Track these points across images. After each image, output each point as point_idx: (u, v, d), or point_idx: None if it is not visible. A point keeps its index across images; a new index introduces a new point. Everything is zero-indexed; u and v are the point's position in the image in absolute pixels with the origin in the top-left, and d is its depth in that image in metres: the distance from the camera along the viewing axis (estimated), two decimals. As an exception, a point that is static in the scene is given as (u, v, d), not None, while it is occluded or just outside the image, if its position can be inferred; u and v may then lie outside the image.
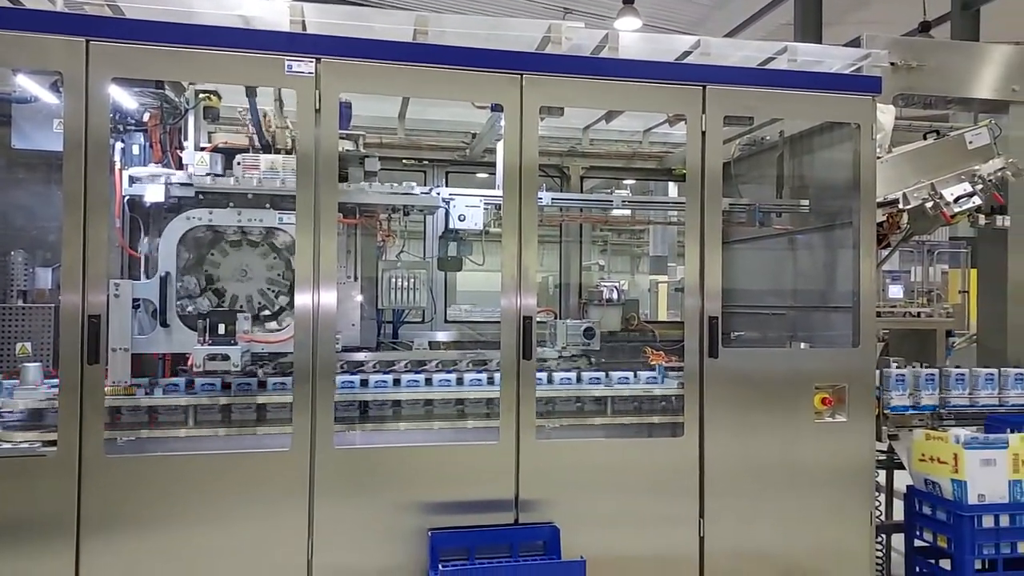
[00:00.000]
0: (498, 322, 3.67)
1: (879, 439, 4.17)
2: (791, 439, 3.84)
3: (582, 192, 5.74)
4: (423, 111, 5.15)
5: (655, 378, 4.14)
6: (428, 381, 3.92)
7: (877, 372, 4.16)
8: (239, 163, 3.74)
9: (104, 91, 3.19)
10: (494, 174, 4.88)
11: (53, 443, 3.19)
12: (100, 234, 3.17)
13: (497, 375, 3.69)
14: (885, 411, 4.22)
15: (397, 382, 3.88)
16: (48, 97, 3.66)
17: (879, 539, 4.42)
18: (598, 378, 4.09)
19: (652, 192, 6.61)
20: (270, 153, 3.87)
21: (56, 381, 3.33)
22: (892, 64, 4.63)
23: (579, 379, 4.09)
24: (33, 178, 4.16)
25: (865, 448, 3.94)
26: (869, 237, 3.99)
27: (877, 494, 4.22)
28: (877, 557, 4.27)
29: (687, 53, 3.98)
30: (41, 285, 3.87)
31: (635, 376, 4.11)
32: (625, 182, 6.31)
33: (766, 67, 4.07)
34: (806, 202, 4.74)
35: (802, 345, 4.47)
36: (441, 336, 5.41)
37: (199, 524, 3.25)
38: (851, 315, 4.03)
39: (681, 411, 3.81)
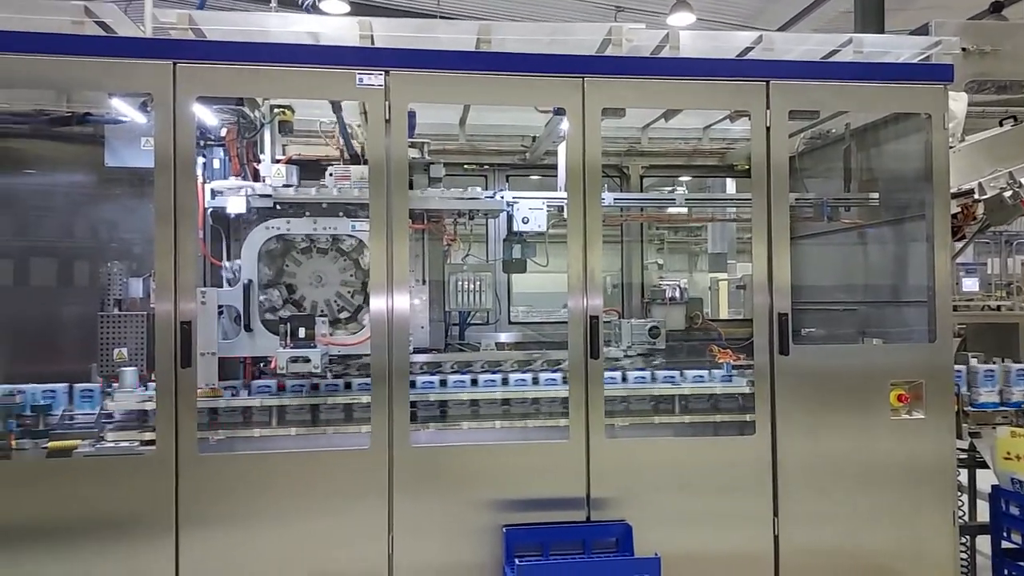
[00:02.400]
0: (557, 322, 3.72)
1: (960, 437, 4.06)
2: (867, 437, 3.77)
3: (642, 191, 5.75)
4: (482, 116, 5.24)
5: (724, 376, 4.14)
6: (476, 382, 4.03)
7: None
8: (331, 174, 3.91)
9: (190, 110, 3.39)
10: (552, 176, 4.95)
11: (151, 443, 3.41)
12: (189, 245, 3.37)
13: (559, 375, 3.74)
14: (966, 408, 4.10)
15: (468, 382, 4.00)
16: (137, 117, 3.89)
17: (963, 540, 4.29)
18: (666, 377, 4.11)
19: (710, 188, 6.56)
20: (358, 164, 4.00)
21: (151, 384, 3.56)
22: (963, 50, 4.50)
23: (653, 377, 4.13)
24: (123, 193, 4.42)
25: (945, 446, 3.83)
26: (943, 229, 3.89)
27: (959, 494, 4.10)
28: (962, 559, 4.15)
29: (749, 49, 3.97)
30: (134, 294, 4.11)
31: (703, 375, 4.11)
32: (681, 179, 6.30)
33: (831, 60, 4.01)
34: (876, 195, 4.64)
35: (874, 341, 4.39)
36: (504, 337, 5.49)
37: (286, 519, 3.41)
38: (925, 309, 3.93)
39: (750, 409, 3.79)
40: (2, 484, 3.30)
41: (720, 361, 4.36)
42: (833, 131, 5.00)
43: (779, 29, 14.22)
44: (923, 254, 3.98)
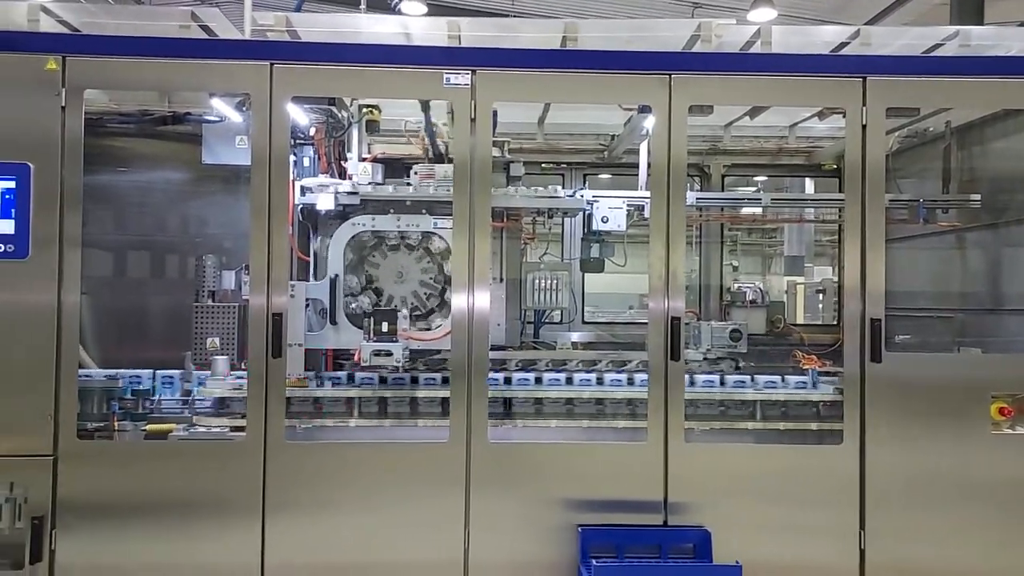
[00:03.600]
0: (628, 323, 3.68)
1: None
2: (965, 451, 3.57)
3: (723, 190, 5.63)
4: (560, 115, 5.23)
5: (807, 383, 4.01)
6: (569, 380, 4.03)
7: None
8: (415, 172, 3.99)
9: (285, 109, 3.51)
10: (630, 175, 4.90)
11: (240, 429, 3.55)
12: (282, 240, 3.49)
13: (637, 376, 3.70)
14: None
15: (539, 380, 4.02)
16: (234, 116, 4.07)
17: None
18: (746, 382, 4.02)
19: (787, 189, 6.36)
20: (442, 163, 4.07)
21: (240, 372, 3.70)
22: (1082, 42, 4.20)
23: (722, 382, 4.05)
24: (218, 189, 4.63)
25: (1053, 464, 3.60)
26: (1056, 233, 3.66)
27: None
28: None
29: (844, 44, 3.83)
30: (226, 286, 4.30)
31: (785, 380, 4.00)
32: (756, 179, 6.14)
33: (932, 54, 3.83)
34: (977, 197, 4.40)
35: (972, 350, 4.17)
36: (578, 336, 5.48)
37: (366, 507, 3.49)
38: (1033, 318, 3.71)
39: (835, 417, 3.66)
40: (105, 463, 3.48)
41: (805, 367, 4.23)
42: (931, 129, 4.77)
43: (866, 24, 13.64)
44: (1030, 260, 3.76)
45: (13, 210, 3.36)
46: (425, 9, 12.23)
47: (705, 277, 5.72)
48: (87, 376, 3.85)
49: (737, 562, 3.31)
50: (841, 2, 13.97)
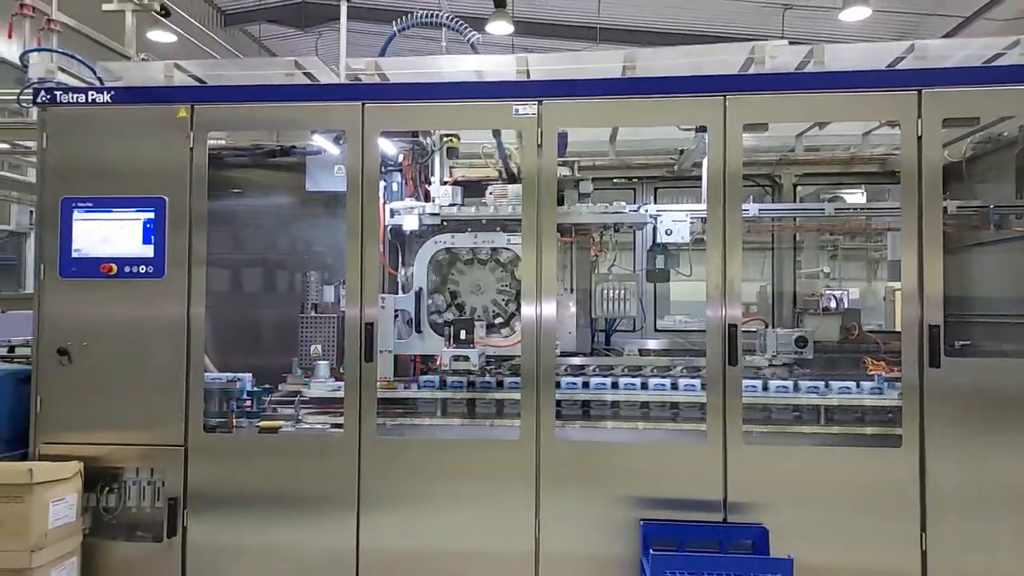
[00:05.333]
0: (704, 331, 3.88)
1: None
2: (1031, 457, 3.58)
3: (795, 200, 5.71)
4: (633, 131, 5.49)
5: (873, 388, 4.10)
6: (644, 385, 4.28)
7: None
8: (490, 192, 4.39)
9: (375, 142, 3.97)
10: (697, 188, 5.08)
11: (339, 426, 4.01)
12: (373, 258, 3.95)
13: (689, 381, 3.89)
14: None
15: (616, 385, 4.29)
16: (332, 149, 4.60)
17: None
18: (812, 387, 4.15)
19: (889, 195, 6.31)
20: (515, 183, 4.46)
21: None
22: None
23: (796, 387, 4.19)
24: (319, 213, 5.20)
25: None
26: None
27: None
28: None
29: (899, 59, 3.91)
30: (327, 299, 4.84)
31: (852, 386, 4.10)
32: (854, 185, 6.12)
33: (994, 64, 3.85)
34: (1052, 201, 4.33)
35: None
36: (651, 344, 5.70)
37: (447, 498, 3.86)
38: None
39: (898, 422, 3.73)
40: (226, 454, 4.01)
41: (872, 373, 4.30)
42: (1005, 134, 4.71)
43: (967, 18, 13.07)
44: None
45: (153, 236, 3.99)
46: (511, 28, 12.80)
47: (777, 285, 5.81)
48: (214, 379, 4.44)
49: (789, 555, 3.46)
50: None
